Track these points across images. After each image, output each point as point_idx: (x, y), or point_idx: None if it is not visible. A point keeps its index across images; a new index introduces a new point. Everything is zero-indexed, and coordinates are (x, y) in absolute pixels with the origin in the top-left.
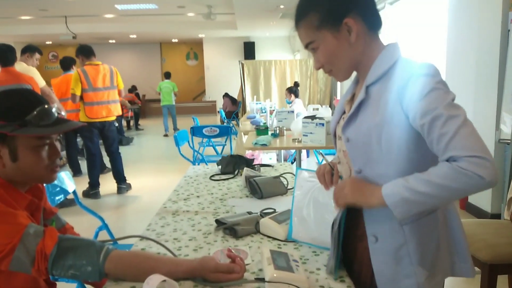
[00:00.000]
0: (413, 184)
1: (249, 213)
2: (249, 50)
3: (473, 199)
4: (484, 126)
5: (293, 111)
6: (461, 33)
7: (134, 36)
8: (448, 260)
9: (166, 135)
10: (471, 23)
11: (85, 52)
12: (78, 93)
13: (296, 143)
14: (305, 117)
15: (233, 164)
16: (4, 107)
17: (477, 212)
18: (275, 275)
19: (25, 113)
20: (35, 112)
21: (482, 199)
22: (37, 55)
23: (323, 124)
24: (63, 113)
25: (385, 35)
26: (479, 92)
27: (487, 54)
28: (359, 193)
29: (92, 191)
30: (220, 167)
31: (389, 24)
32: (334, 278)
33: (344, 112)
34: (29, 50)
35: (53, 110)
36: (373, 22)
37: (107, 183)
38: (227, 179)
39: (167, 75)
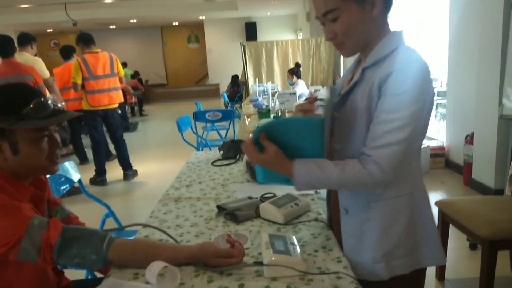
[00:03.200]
0: (327, 176)
1: (250, 198)
2: (250, 30)
3: (477, 175)
4: (487, 101)
5: (295, 93)
6: (463, 7)
7: (135, 20)
8: (416, 248)
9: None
10: (473, 3)
11: (85, 40)
12: (79, 81)
13: None
14: (306, 99)
15: (234, 149)
16: (1, 103)
17: (480, 188)
18: (273, 258)
19: (21, 106)
20: (31, 105)
21: (486, 175)
22: (35, 43)
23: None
24: (59, 104)
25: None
26: (482, 66)
27: (490, 28)
28: (266, 166)
29: (99, 178)
30: (221, 152)
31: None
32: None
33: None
34: (33, 39)
35: (49, 102)
36: (389, 3)
37: (114, 170)
38: (229, 164)
39: (125, 65)
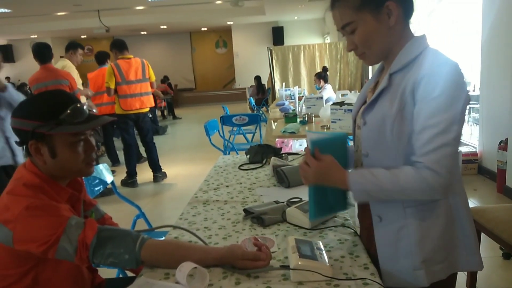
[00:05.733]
0: (381, 181)
1: (276, 202)
2: (278, 35)
3: (511, 182)
4: None
5: (321, 97)
6: (497, 8)
7: (165, 26)
8: (453, 252)
9: None
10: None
11: (118, 46)
12: (112, 86)
13: (325, 130)
14: (333, 104)
15: (261, 154)
16: (40, 109)
17: None
18: (299, 263)
19: (59, 112)
20: (68, 111)
21: None
22: (79, 51)
23: (351, 110)
24: (94, 110)
25: (418, 17)
26: None
27: None
28: (322, 177)
29: (130, 180)
30: (248, 156)
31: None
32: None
33: (365, 101)
34: (72, 47)
35: (85, 107)
36: (408, 9)
37: (144, 172)
38: (255, 168)
39: None
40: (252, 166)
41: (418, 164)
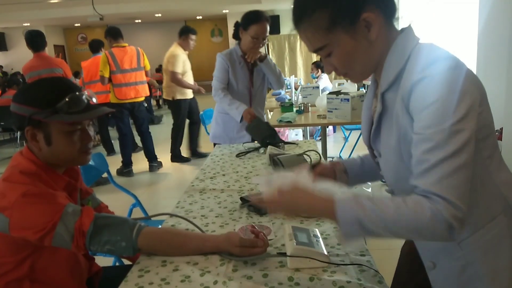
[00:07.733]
0: (380, 209)
1: None
2: (273, 24)
3: None
4: None
5: (318, 87)
6: (493, 1)
7: (159, 15)
8: None
9: None
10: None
11: (113, 34)
12: (107, 75)
13: (321, 119)
14: (330, 93)
15: (264, 132)
16: (38, 95)
17: None
18: (296, 250)
19: (56, 100)
20: (66, 99)
21: None
22: (191, 36)
23: (348, 100)
24: (94, 99)
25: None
26: None
27: None
28: (300, 206)
29: (126, 169)
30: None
31: None
32: None
33: (372, 122)
34: (183, 32)
35: (83, 97)
36: (389, 10)
37: (139, 162)
38: (251, 151)
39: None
40: (249, 146)
41: (415, 189)
